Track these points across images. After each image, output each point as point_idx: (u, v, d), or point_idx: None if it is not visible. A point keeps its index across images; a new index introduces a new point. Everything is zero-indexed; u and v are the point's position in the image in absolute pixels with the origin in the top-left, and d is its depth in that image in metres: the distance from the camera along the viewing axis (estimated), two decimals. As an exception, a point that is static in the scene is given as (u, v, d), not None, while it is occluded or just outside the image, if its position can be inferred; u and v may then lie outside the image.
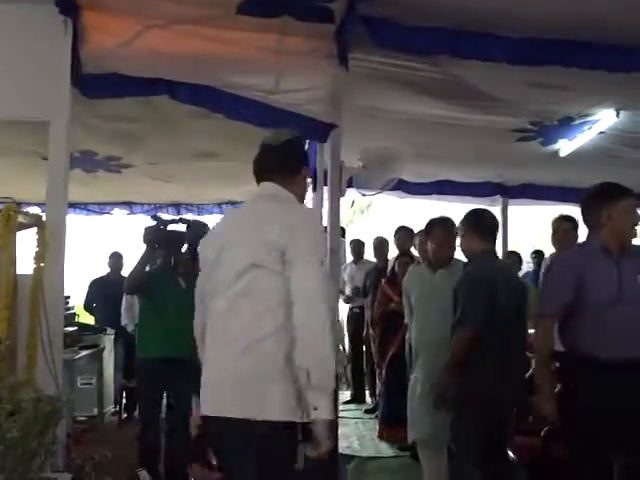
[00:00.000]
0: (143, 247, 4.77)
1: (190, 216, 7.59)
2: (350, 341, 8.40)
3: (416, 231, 5.81)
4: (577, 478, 3.10)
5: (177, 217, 5.36)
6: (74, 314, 7.50)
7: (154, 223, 4.87)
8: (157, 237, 4.79)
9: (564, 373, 3.28)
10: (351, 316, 8.33)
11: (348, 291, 8.22)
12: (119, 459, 5.18)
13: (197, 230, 4.61)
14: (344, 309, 8.53)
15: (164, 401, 5.00)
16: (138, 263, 4.74)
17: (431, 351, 4.12)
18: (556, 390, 3.23)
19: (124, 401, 7.28)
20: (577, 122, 5.40)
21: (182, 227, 4.92)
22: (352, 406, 7.87)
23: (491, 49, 3.64)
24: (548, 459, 3.78)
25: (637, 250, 3.19)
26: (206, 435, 2.51)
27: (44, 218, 3.60)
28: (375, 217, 16.19)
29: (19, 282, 3.39)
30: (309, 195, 7.53)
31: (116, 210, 9.12)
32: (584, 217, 3.30)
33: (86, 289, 8.13)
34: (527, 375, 3.76)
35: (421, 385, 4.26)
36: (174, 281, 4.81)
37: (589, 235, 3.26)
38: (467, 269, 3.65)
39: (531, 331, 4.24)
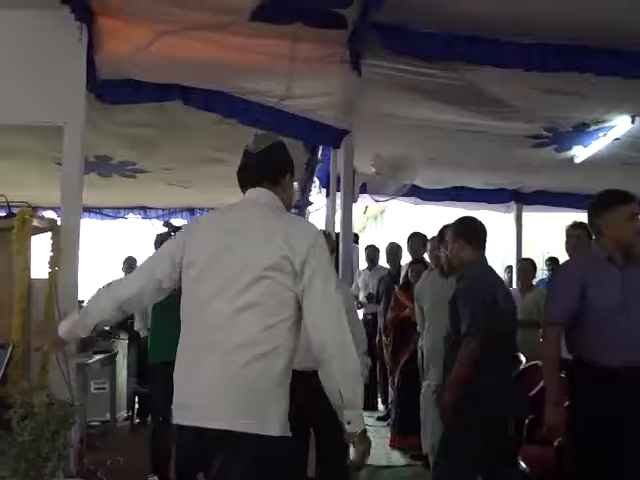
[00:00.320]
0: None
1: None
2: (363, 347, 8.37)
3: (429, 237, 5.78)
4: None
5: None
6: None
7: (166, 229, 4.88)
8: None
9: (572, 382, 3.26)
10: (364, 323, 8.31)
11: (362, 297, 8.20)
12: (131, 464, 5.21)
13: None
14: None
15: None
16: None
17: (443, 358, 4.10)
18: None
19: (137, 406, 7.30)
20: (592, 128, 5.37)
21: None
22: (364, 413, 7.83)
23: (504, 55, 3.64)
24: (561, 470, 3.74)
25: None
26: (183, 446, 2.30)
27: (59, 222, 3.63)
28: (388, 223, 16.16)
29: (33, 286, 3.41)
30: (322, 201, 7.57)
31: (130, 215, 9.18)
32: (589, 225, 3.29)
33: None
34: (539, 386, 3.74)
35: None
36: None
37: (595, 243, 3.25)
38: (464, 278, 3.58)
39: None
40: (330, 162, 5.64)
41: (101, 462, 5.11)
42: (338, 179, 4.87)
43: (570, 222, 5.04)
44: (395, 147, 5.47)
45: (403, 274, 6.62)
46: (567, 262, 3.79)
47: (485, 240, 3.65)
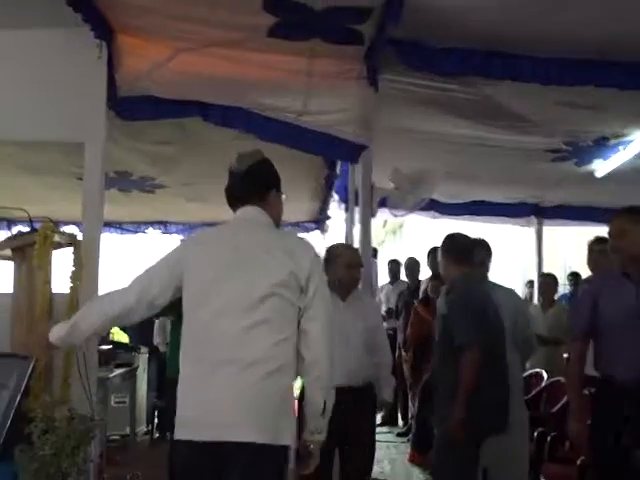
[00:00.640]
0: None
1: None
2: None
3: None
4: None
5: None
6: (108, 332, 7.58)
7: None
8: None
9: (593, 398, 3.24)
10: (383, 337, 8.27)
11: (382, 312, 8.18)
12: (150, 479, 5.21)
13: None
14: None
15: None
16: None
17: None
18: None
19: (156, 420, 7.32)
20: (612, 142, 5.33)
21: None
22: (384, 429, 7.79)
23: (521, 70, 3.64)
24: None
25: None
26: (191, 462, 2.28)
27: (80, 237, 3.66)
28: (407, 237, 16.13)
29: (55, 300, 3.44)
30: (342, 215, 7.58)
31: (150, 229, 9.24)
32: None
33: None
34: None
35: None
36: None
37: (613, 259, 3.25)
38: (454, 293, 3.64)
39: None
40: (348, 177, 5.65)
41: (120, 477, 5.12)
42: (356, 193, 4.88)
43: (592, 237, 5.00)
44: (413, 161, 5.47)
45: (422, 289, 6.60)
46: (588, 278, 3.80)
47: (471, 255, 3.70)
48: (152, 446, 6.88)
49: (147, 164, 5.87)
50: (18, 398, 2.96)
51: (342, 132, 4.17)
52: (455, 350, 3.43)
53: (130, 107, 3.91)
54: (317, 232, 9.49)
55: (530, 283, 8.73)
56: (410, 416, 7.07)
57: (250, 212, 2.42)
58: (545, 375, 5.41)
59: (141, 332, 7.54)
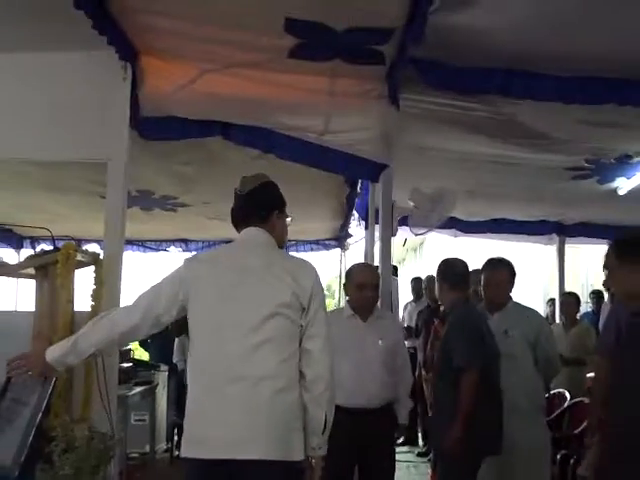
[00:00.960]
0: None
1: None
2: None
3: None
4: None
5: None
6: (129, 350, 7.61)
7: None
8: None
9: None
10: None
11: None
12: (169, 497, 5.20)
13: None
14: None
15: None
16: None
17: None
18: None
19: (176, 438, 7.31)
20: (635, 160, 5.29)
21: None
22: (404, 449, 7.72)
23: (543, 88, 3.62)
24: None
25: None
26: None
27: (102, 256, 3.69)
28: (428, 255, 16.07)
29: (76, 319, 3.46)
30: (361, 233, 7.58)
31: (172, 247, 9.30)
32: None
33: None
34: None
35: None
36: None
37: None
38: (452, 316, 3.77)
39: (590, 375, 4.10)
40: (369, 195, 5.66)
41: (140, 495, 5.11)
42: (377, 212, 4.87)
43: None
44: (434, 180, 5.46)
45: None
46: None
47: (467, 281, 3.85)
48: (172, 464, 6.87)
49: (169, 183, 5.93)
50: (39, 416, 2.97)
51: (363, 151, 4.17)
52: (454, 371, 3.50)
53: (152, 127, 3.95)
54: (338, 250, 9.49)
55: (551, 301, 8.63)
56: (431, 436, 6.99)
57: (253, 233, 2.49)
58: (568, 396, 5.34)
59: (162, 350, 7.57)
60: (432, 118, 4.30)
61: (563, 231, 8.20)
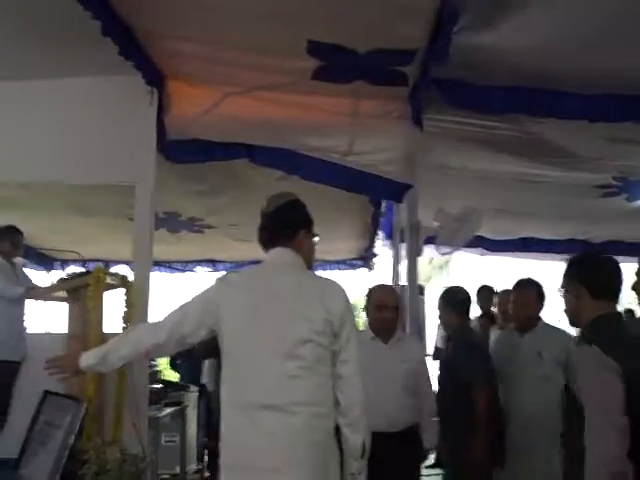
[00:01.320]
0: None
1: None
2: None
3: (497, 290, 5.67)
4: None
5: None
6: (158, 371, 7.63)
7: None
8: None
9: None
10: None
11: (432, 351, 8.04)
12: (199, 518, 5.18)
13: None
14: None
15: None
16: None
17: (520, 419, 3.97)
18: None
19: (206, 459, 7.29)
20: (664, 177, 5.23)
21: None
22: (436, 470, 7.61)
23: (567, 107, 3.61)
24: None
25: None
26: None
27: (131, 278, 3.74)
28: (454, 273, 15.96)
29: (107, 341, 3.50)
30: (388, 252, 7.56)
31: (199, 268, 9.34)
32: None
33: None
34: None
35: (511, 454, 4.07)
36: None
37: None
38: (457, 340, 4.03)
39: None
40: (393, 215, 5.66)
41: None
42: (402, 231, 4.86)
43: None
44: (459, 199, 5.43)
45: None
46: None
47: (469, 308, 4.09)
48: (202, 485, 6.84)
49: (195, 205, 5.98)
50: (72, 439, 3.01)
51: (387, 172, 4.17)
52: (464, 387, 3.67)
53: (178, 150, 4.00)
54: (364, 269, 9.47)
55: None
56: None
57: (281, 254, 2.45)
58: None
59: (191, 371, 7.58)
60: (456, 137, 4.30)
61: (592, 249, 8.08)
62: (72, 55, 3.51)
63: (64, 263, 8.53)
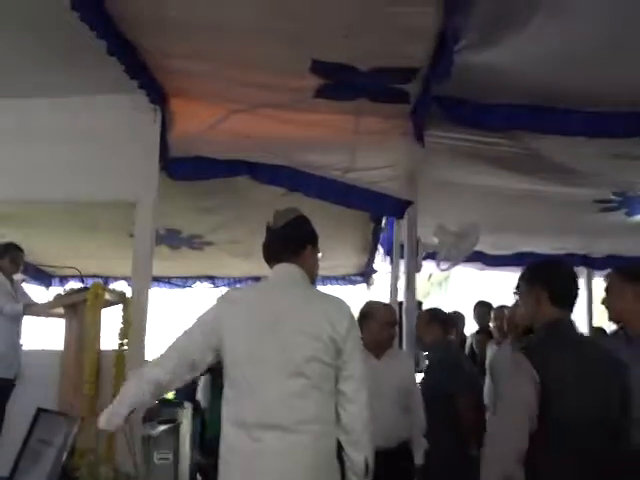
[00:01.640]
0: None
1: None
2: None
3: (495, 306, 5.65)
4: None
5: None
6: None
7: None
8: None
9: None
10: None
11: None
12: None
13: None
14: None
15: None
16: None
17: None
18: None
19: (199, 477, 7.22)
20: (664, 193, 5.24)
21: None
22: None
23: (568, 124, 3.62)
24: None
25: None
26: None
27: (129, 294, 3.72)
28: (453, 289, 15.95)
29: (103, 358, 3.48)
30: (387, 268, 7.54)
31: (198, 283, 9.31)
32: None
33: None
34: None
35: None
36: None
37: None
38: (434, 352, 4.28)
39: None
40: (393, 230, 5.65)
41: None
42: (401, 247, 4.85)
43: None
44: (459, 215, 5.44)
45: (468, 343, 6.47)
46: None
47: (450, 325, 4.57)
48: (196, 504, 6.77)
49: (196, 222, 5.97)
50: (64, 457, 2.98)
51: (388, 188, 4.17)
52: (441, 398, 3.82)
53: (181, 167, 4.00)
54: (363, 285, 9.46)
55: (581, 336, 8.48)
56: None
57: (287, 269, 2.43)
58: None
59: (186, 387, 7.52)
60: (457, 154, 4.31)
61: (591, 264, 8.08)
62: (74, 73, 3.52)
63: (63, 279, 8.51)
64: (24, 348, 4.99)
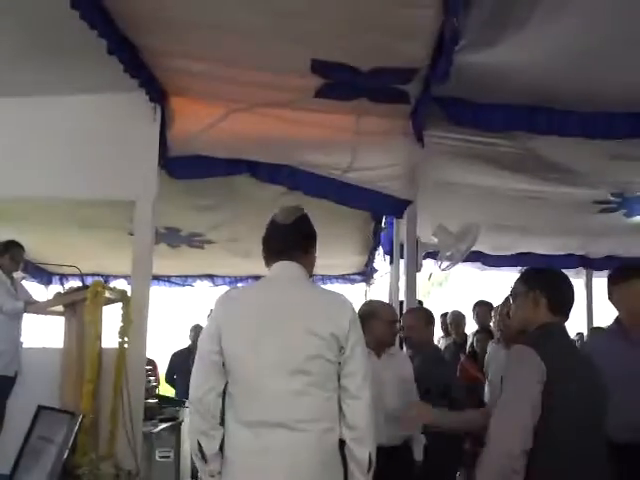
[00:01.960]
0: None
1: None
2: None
3: (495, 305, 5.66)
4: None
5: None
6: (155, 386, 7.58)
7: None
8: None
9: None
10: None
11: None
12: (195, 535, 5.13)
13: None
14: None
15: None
16: None
17: None
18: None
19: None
20: (662, 193, 5.25)
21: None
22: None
23: (567, 124, 3.63)
24: None
25: None
26: None
27: (129, 293, 3.73)
28: (452, 289, 15.95)
29: (104, 355, 3.49)
30: (387, 268, 7.55)
31: (198, 282, 9.32)
32: None
33: (168, 361, 8.25)
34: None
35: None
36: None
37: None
38: (421, 353, 4.13)
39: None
40: (393, 230, 5.66)
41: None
42: (401, 246, 4.86)
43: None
44: (459, 215, 5.44)
45: (469, 343, 6.47)
46: None
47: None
48: (196, 502, 6.78)
49: (196, 220, 5.98)
50: (65, 454, 2.98)
51: (387, 188, 4.18)
52: (444, 388, 3.86)
53: (180, 166, 4.01)
54: (362, 284, 9.47)
55: (579, 336, 8.49)
56: (458, 474, 6.85)
57: (288, 267, 2.40)
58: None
59: (187, 385, 7.51)
60: (456, 154, 4.32)
61: (590, 264, 8.10)
62: (75, 72, 3.53)
63: (63, 277, 8.51)
64: (25, 346, 5.01)
